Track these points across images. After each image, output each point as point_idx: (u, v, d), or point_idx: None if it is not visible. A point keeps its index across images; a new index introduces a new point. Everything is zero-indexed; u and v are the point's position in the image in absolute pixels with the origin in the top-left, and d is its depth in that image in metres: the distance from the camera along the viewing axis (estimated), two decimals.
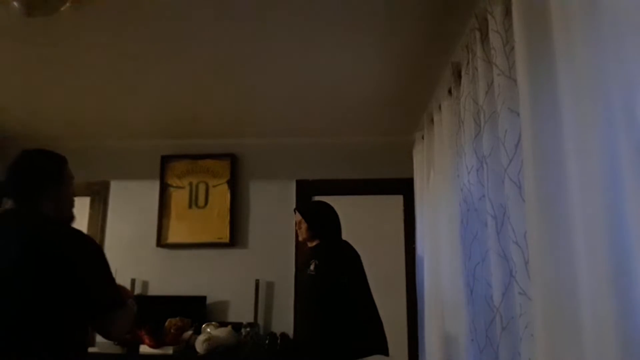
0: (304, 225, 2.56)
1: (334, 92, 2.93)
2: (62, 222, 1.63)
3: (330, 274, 2.39)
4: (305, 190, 3.70)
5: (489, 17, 1.60)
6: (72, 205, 1.76)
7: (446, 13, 2.04)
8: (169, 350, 3.05)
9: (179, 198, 3.75)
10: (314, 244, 2.55)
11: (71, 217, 1.76)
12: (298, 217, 2.63)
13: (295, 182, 3.73)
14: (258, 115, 3.34)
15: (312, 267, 2.44)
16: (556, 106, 1.20)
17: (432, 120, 2.68)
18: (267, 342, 3.19)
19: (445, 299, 2.32)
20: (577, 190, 1.10)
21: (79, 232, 1.60)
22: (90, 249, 1.60)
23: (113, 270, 1.57)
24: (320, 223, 2.56)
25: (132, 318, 1.62)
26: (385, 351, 2.38)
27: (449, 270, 2.23)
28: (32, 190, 1.57)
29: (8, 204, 1.55)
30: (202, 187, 3.78)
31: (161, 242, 3.68)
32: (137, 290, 3.59)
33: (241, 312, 3.48)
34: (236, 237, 3.66)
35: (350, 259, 2.46)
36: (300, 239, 2.66)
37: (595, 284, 1.00)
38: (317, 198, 3.59)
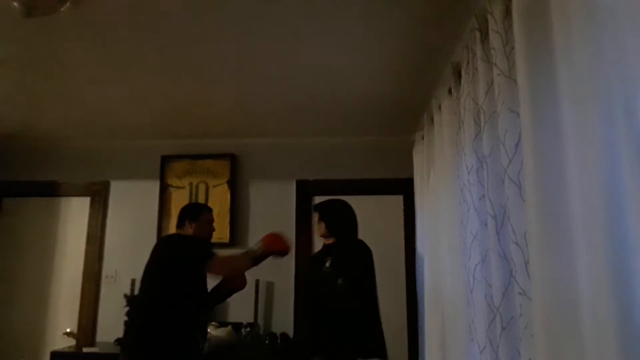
0: (322, 223, 2.61)
1: (334, 92, 2.93)
2: (178, 234, 2.65)
3: (344, 272, 2.41)
4: (305, 190, 3.70)
5: (489, 17, 1.60)
6: (206, 234, 2.66)
7: (446, 13, 2.04)
8: None
9: (179, 198, 3.75)
10: (331, 241, 2.59)
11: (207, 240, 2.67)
12: (317, 215, 2.67)
13: (295, 182, 3.73)
14: (258, 115, 3.34)
15: (327, 264, 2.47)
16: (556, 106, 1.20)
17: (432, 120, 2.68)
18: (267, 342, 3.19)
19: (445, 299, 2.32)
20: (577, 190, 1.09)
21: (172, 234, 2.82)
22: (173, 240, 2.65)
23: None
24: (337, 222, 2.60)
25: (226, 264, 2.47)
26: (384, 355, 2.40)
27: (449, 270, 2.23)
28: (179, 222, 2.66)
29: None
30: (202, 187, 3.78)
31: None
32: (137, 291, 3.59)
33: (241, 312, 3.48)
34: (236, 237, 3.66)
35: (364, 258, 2.50)
36: (317, 235, 2.70)
37: (595, 284, 1.00)
38: (317, 198, 3.59)
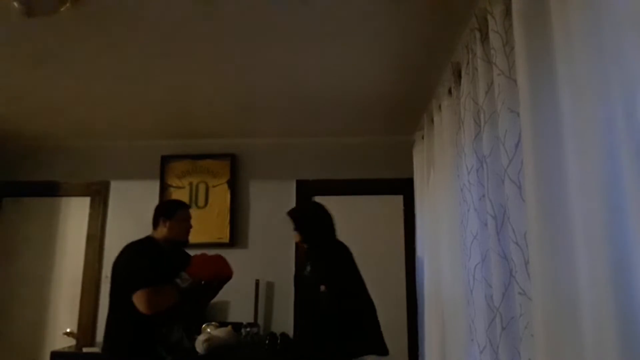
0: (296, 231, 2.59)
1: (334, 92, 2.93)
2: (139, 240, 2.46)
3: (326, 279, 2.40)
4: (305, 190, 3.70)
5: (489, 17, 1.60)
6: (182, 233, 2.49)
7: (446, 13, 2.04)
8: None
9: (179, 198, 3.75)
10: (307, 246, 2.57)
11: (184, 241, 2.52)
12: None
13: (295, 182, 3.73)
14: (258, 115, 3.34)
15: (308, 269, 2.47)
16: (556, 106, 1.20)
17: (432, 120, 2.68)
18: (267, 342, 3.19)
19: (445, 299, 2.32)
20: (577, 190, 1.09)
21: (131, 243, 2.45)
22: (124, 254, 2.43)
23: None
24: (308, 227, 2.56)
25: (147, 300, 2.22)
26: (384, 351, 2.39)
27: (449, 270, 2.23)
28: (154, 222, 2.51)
29: None
30: (202, 187, 3.78)
31: None
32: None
33: (241, 312, 3.48)
34: (236, 237, 3.66)
35: (342, 260, 2.46)
36: (295, 241, 2.67)
37: (595, 284, 1.00)
38: (317, 198, 3.59)
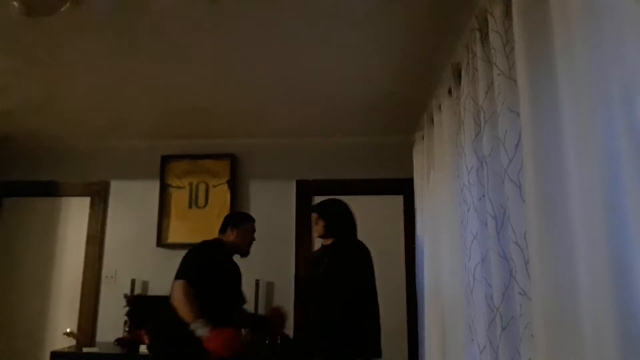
0: (320, 223, 2.59)
1: (334, 92, 2.93)
2: (212, 242, 2.66)
3: (340, 274, 2.41)
4: (305, 190, 3.70)
5: (489, 17, 1.60)
6: (246, 243, 2.71)
7: (446, 13, 2.04)
8: None
9: (179, 198, 3.75)
10: (329, 242, 2.58)
11: (245, 251, 2.73)
12: (315, 214, 2.67)
13: (295, 182, 3.73)
14: (258, 115, 3.34)
15: (326, 265, 2.47)
16: (556, 106, 1.20)
17: (432, 120, 2.68)
18: (267, 342, 3.19)
19: (445, 299, 2.32)
20: (577, 190, 1.09)
21: (202, 242, 2.63)
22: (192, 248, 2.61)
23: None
24: (337, 221, 2.59)
25: (179, 297, 2.32)
26: (378, 353, 2.40)
27: (449, 270, 2.23)
28: (222, 228, 2.71)
29: None
30: (202, 187, 3.78)
31: (161, 242, 3.69)
32: (137, 290, 3.59)
33: None
34: None
35: (362, 259, 2.49)
36: (315, 235, 2.70)
37: (595, 284, 1.00)
38: (317, 198, 3.58)
